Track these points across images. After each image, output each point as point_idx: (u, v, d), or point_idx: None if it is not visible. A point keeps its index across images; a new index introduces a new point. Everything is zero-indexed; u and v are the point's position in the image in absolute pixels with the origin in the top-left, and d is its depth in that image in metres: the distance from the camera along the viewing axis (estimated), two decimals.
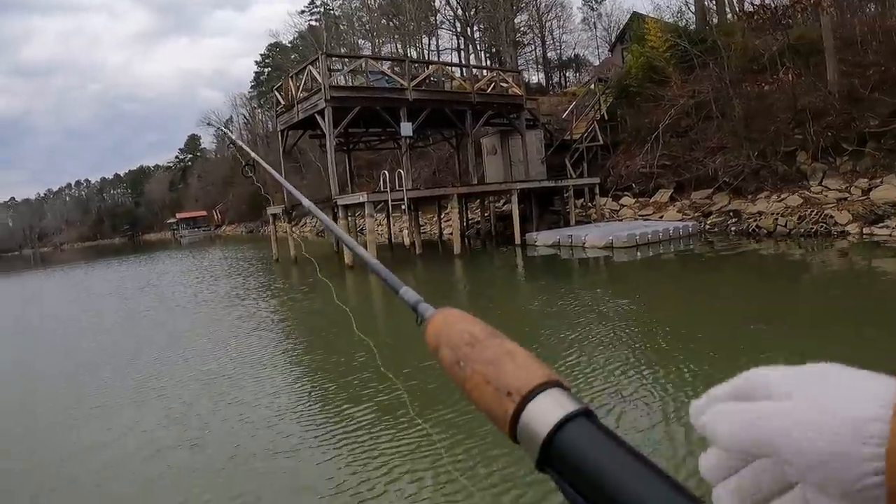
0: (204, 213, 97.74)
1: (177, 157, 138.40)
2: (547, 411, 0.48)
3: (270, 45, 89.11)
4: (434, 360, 0.64)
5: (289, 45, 79.52)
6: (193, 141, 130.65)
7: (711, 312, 9.63)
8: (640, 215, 24.05)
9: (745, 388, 0.43)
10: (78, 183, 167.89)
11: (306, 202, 1.66)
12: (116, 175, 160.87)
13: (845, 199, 19.02)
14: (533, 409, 0.50)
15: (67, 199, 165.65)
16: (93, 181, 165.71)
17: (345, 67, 23.03)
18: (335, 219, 26.16)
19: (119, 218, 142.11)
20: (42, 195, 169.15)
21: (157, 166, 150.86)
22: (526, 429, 0.49)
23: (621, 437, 0.45)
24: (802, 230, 17.97)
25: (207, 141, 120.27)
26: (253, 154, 2.21)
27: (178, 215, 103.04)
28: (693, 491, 0.39)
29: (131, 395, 7.59)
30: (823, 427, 0.36)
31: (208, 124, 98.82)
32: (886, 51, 21.92)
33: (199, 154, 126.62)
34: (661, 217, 23.02)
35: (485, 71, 25.87)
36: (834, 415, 0.37)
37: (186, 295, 17.95)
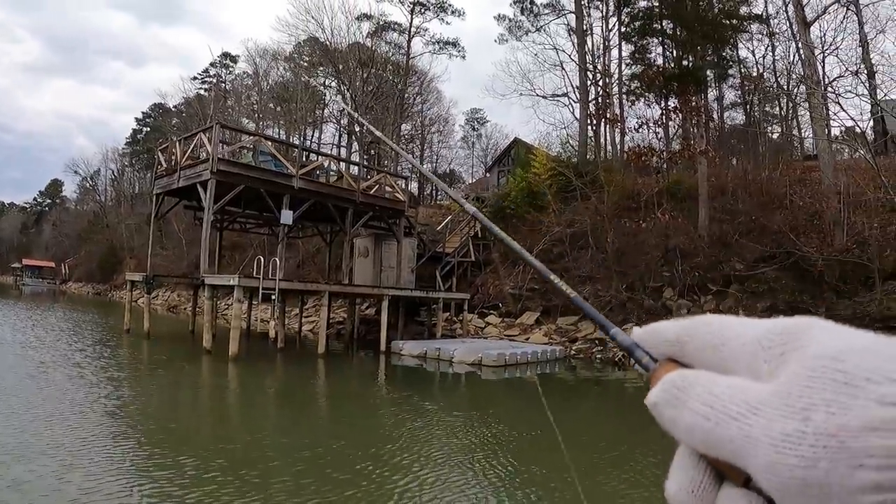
0: (52, 264, 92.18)
1: (35, 199, 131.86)
2: None
3: (154, 104, 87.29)
4: None
5: (173, 108, 77.82)
6: (55, 186, 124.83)
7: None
8: (505, 335, 24.04)
9: (708, 340, 0.41)
10: None
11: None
12: None
13: None
14: None
15: None
16: None
17: (234, 143, 22.20)
18: (196, 296, 24.90)
19: None
20: None
21: (11, 204, 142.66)
22: None
23: None
24: None
25: (70, 189, 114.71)
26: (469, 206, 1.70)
27: (25, 261, 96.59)
28: None
29: None
30: (807, 442, 0.32)
31: (75, 172, 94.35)
32: (754, 202, 23.48)
33: (58, 201, 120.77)
34: (528, 339, 23.09)
35: (372, 172, 25.43)
36: (817, 424, 0.32)
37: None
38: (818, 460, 0.30)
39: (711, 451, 0.37)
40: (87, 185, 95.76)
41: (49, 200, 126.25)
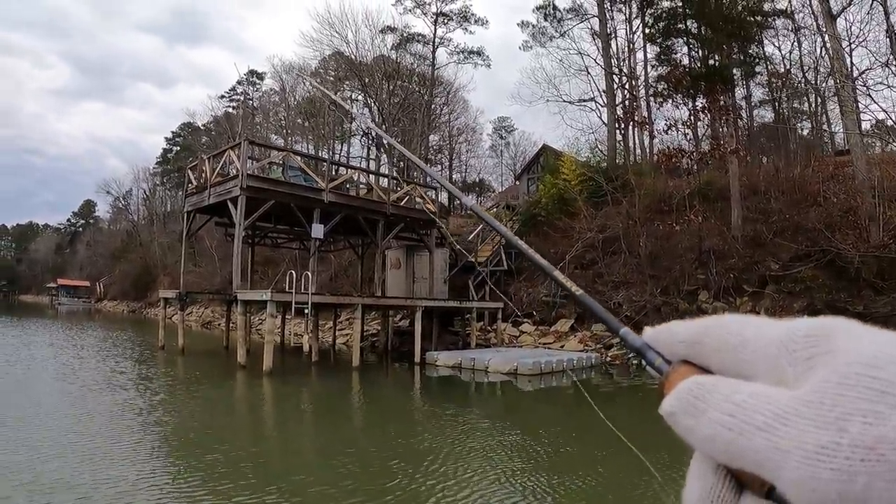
0: (87, 283, 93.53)
1: (69, 220, 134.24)
2: None
3: (183, 124, 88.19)
4: None
5: (202, 127, 78.64)
6: (88, 206, 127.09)
7: None
8: (540, 343, 23.90)
9: (726, 340, 0.39)
10: None
11: None
12: (3, 226, 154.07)
13: None
14: None
15: None
16: None
17: (263, 158, 22.39)
18: (229, 312, 25.09)
19: None
20: None
21: (46, 225, 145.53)
22: None
23: None
24: None
25: (103, 210, 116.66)
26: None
27: (60, 281, 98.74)
28: None
29: None
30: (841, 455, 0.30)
31: (107, 192, 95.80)
32: (787, 200, 23.26)
33: (91, 221, 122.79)
34: (562, 346, 22.95)
35: (401, 183, 25.46)
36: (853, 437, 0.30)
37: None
38: (856, 474, 0.28)
39: (733, 461, 0.34)
40: (120, 205, 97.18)
41: (83, 221, 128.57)
